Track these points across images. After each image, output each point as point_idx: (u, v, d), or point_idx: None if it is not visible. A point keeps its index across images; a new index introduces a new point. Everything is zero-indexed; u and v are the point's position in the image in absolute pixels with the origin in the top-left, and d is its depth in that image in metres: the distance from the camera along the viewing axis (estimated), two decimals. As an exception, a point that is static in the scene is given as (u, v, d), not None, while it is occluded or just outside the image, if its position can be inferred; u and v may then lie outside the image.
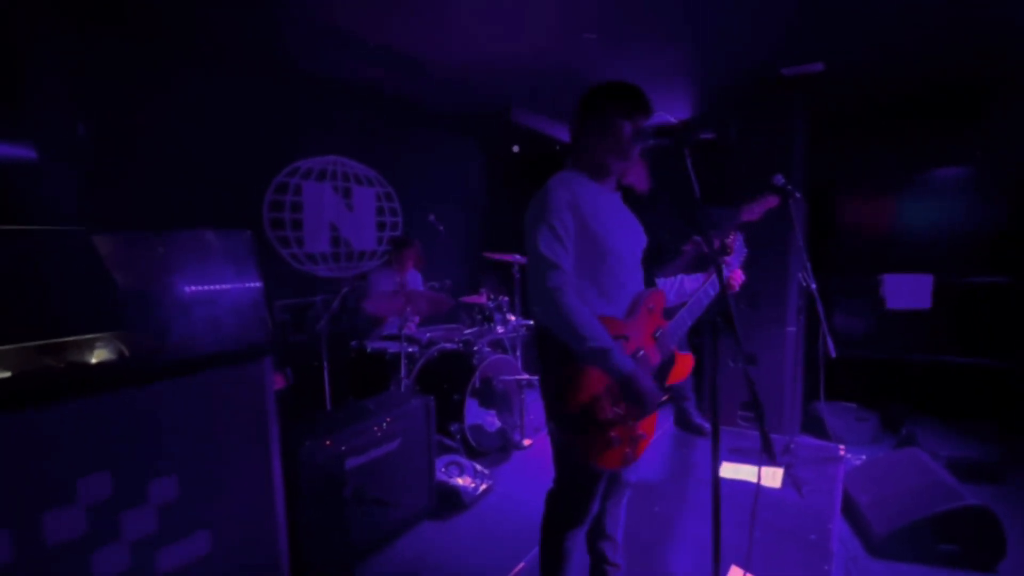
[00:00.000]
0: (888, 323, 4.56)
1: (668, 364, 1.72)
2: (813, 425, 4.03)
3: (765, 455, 1.42)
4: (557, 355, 1.54)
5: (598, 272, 1.60)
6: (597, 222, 1.57)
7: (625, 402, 1.54)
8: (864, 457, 3.40)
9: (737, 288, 1.93)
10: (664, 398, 1.61)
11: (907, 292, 4.23)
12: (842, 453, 3.38)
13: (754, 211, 3.15)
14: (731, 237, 1.95)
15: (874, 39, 3.37)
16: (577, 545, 1.77)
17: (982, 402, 4.17)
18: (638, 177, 3.59)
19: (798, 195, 3.04)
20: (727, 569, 2.26)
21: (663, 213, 3.40)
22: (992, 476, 3.30)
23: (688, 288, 1.85)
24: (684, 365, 1.76)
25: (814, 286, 3.10)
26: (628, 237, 1.69)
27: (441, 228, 4.40)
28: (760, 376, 4.00)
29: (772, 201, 3.15)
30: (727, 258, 1.92)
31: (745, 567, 2.03)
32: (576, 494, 1.70)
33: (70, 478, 1.34)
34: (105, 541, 1.39)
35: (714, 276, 1.79)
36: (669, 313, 1.76)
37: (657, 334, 1.68)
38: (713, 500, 1.49)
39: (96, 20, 2.95)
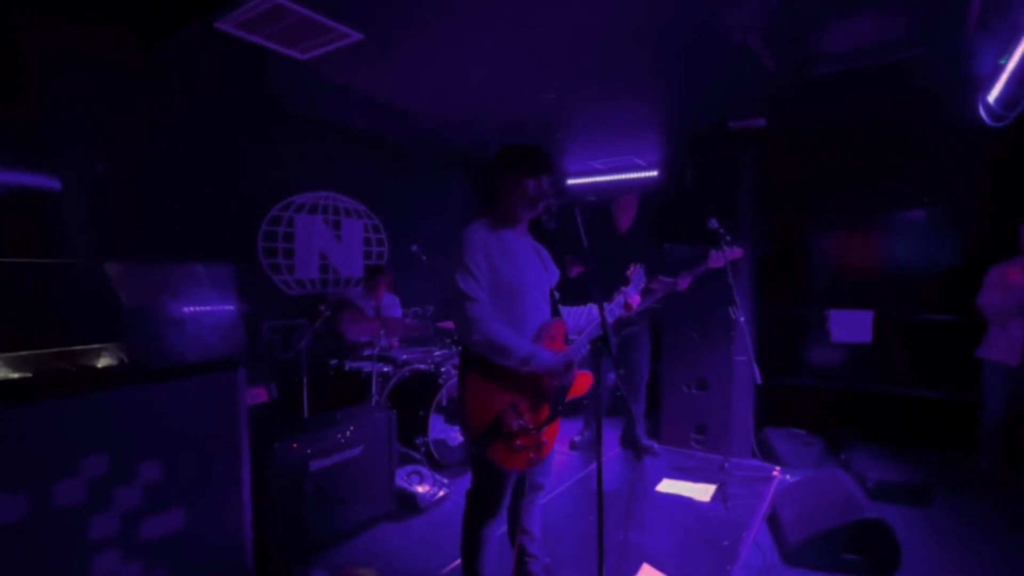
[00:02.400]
0: (845, 355, 4.87)
1: (570, 381, 2.03)
2: (764, 449, 4.31)
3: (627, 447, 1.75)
4: (464, 385, 1.90)
5: (509, 306, 1.94)
6: (506, 264, 1.92)
7: (555, 384, 1.94)
8: (800, 478, 3.68)
9: (635, 309, 2.28)
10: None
11: (849, 326, 4.56)
12: (775, 474, 3.67)
13: (720, 259, 3.51)
14: (631, 270, 2.31)
15: (810, 101, 3.81)
16: (492, 536, 2.08)
17: (928, 431, 4.45)
18: (623, 219, 4.01)
19: (728, 238, 3.41)
20: (639, 567, 2.56)
21: (641, 253, 3.81)
22: (918, 498, 3.54)
23: (593, 317, 2.20)
24: (583, 382, 2.09)
25: (742, 318, 3.45)
26: (534, 275, 2.04)
27: (424, 258, 4.77)
28: (710, 401, 4.31)
29: (738, 252, 3.52)
30: (625, 288, 2.26)
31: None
32: (488, 492, 2.02)
33: (75, 456, 1.69)
34: (100, 509, 1.74)
35: (613, 304, 2.17)
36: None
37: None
38: (598, 505, 1.81)
39: (114, 68, 3.40)
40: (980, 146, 3.93)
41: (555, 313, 2.12)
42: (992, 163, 4.10)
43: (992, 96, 3.15)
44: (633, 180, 5.78)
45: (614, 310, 2.19)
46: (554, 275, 2.18)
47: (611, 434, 4.54)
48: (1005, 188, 4.12)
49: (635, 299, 2.25)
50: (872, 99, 3.71)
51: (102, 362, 1.87)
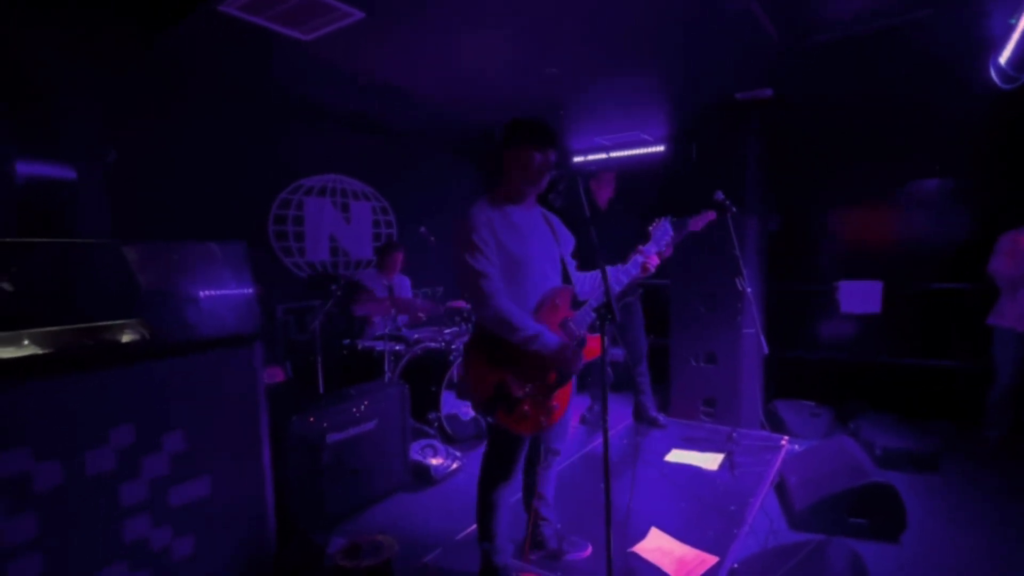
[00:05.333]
0: (855, 326, 4.86)
1: (579, 346, 2.07)
2: (772, 420, 4.34)
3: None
4: (469, 353, 1.98)
5: (514, 277, 1.99)
6: (510, 237, 1.97)
7: (556, 367, 1.96)
8: (809, 447, 3.71)
9: (652, 270, 2.21)
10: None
11: (858, 297, 4.55)
12: (783, 443, 3.71)
13: (698, 223, 3.52)
14: (654, 225, 2.28)
15: (816, 70, 3.75)
16: (505, 499, 2.15)
17: (937, 401, 4.45)
18: (602, 196, 4.02)
19: (734, 209, 3.42)
20: (648, 531, 2.63)
21: (624, 225, 3.83)
22: (925, 466, 3.56)
23: (612, 277, 2.18)
24: (594, 346, 2.12)
25: (749, 290, 3.47)
26: (542, 246, 2.09)
27: (432, 239, 4.81)
28: (718, 374, 4.34)
29: (711, 215, 3.52)
30: (643, 246, 2.22)
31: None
32: (501, 455, 2.10)
33: (104, 427, 1.78)
34: (129, 477, 1.83)
35: (628, 264, 2.18)
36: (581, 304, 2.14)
37: (564, 322, 2.07)
38: (605, 471, 1.86)
39: (124, 59, 3.46)
40: (992, 111, 3.86)
41: (566, 281, 2.16)
42: (1004, 128, 4.04)
43: (1003, 57, 3.10)
44: (640, 156, 5.76)
45: (630, 270, 2.18)
46: (567, 244, 2.21)
47: (620, 407, 4.60)
48: (1017, 153, 4.05)
49: (654, 260, 2.20)
50: (880, 66, 3.65)
51: (125, 338, 1.95)
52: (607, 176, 4.00)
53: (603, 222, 3.86)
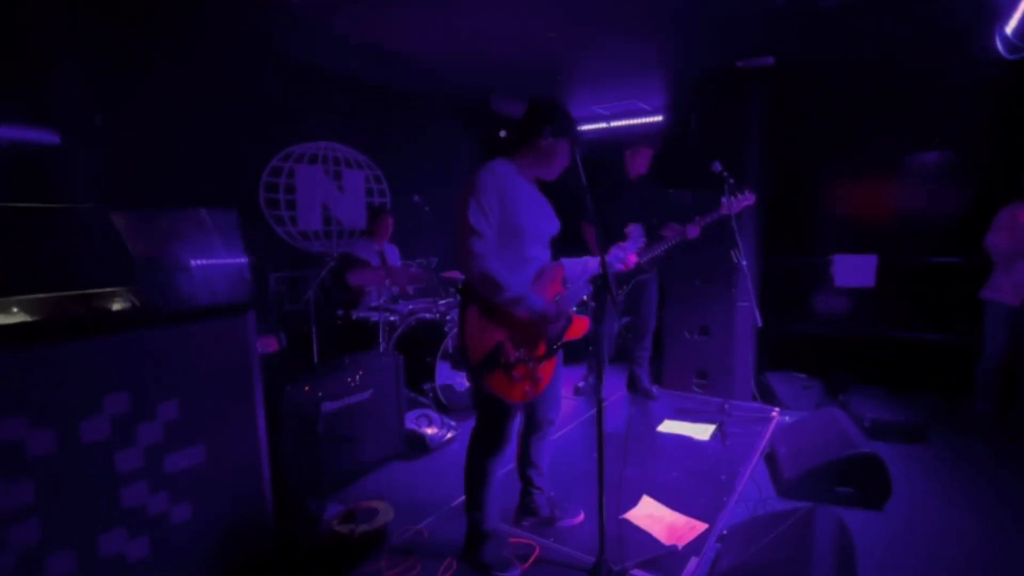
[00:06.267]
0: (849, 300, 4.88)
1: (566, 323, 2.12)
2: (764, 392, 4.39)
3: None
4: (465, 316, 1.98)
5: (515, 244, 2.00)
6: (516, 207, 1.97)
7: (540, 329, 2.00)
8: (799, 418, 3.76)
9: (631, 266, 2.38)
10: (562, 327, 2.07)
11: (853, 271, 4.56)
12: (774, 415, 3.77)
13: (733, 207, 3.45)
14: (630, 228, 2.36)
15: (819, 38, 3.67)
16: (496, 469, 2.17)
17: (928, 374, 4.50)
18: (633, 167, 3.91)
19: (732, 180, 3.38)
20: (639, 499, 2.68)
21: (652, 200, 3.79)
22: (913, 437, 3.63)
23: (591, 268, 2.23)
24: (580, 325, 2.17)
25: (744, 262, 3.46)
26: (539, 221, 2.09)
27: (426, 208, 4.75)
28: (711, 346, 4.37)
29: (749, 199, 3.47)
30: (622, 244, 2.31)
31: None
32: (491, 425, 2.11)
33: (98, 395, 1.77)
34: (125, 444, 1.83)
35: (609, 256, 2.23)
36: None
37: (556, 298, 2.09)
38: (598, 441, 1.89)
39: (110, 20, 3.34)
40: (995, 82, 3.81)
41: (555, 259, 2.18)
42: (1006, 100, 3.98)
43: (1010, 27, 3.04)
44: (638, 126, 5.68)
45: (610, 262, 2.23)
46: (555, 225, 2.22)
47: (614, 378, 4.64)
48: (1019, 126, 4.01)
49: (632, 259, 2.31)
50: (883, 33, 3.58)
51: (115, 306, 1.92)
52: (644, 151, 3.86)
53: (630, 193, 3.78)
